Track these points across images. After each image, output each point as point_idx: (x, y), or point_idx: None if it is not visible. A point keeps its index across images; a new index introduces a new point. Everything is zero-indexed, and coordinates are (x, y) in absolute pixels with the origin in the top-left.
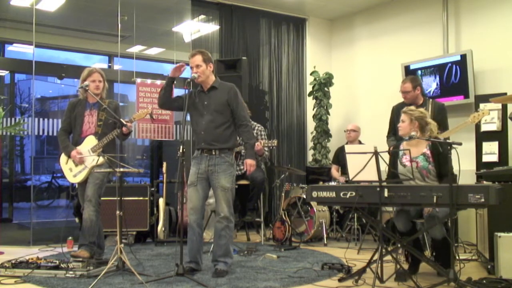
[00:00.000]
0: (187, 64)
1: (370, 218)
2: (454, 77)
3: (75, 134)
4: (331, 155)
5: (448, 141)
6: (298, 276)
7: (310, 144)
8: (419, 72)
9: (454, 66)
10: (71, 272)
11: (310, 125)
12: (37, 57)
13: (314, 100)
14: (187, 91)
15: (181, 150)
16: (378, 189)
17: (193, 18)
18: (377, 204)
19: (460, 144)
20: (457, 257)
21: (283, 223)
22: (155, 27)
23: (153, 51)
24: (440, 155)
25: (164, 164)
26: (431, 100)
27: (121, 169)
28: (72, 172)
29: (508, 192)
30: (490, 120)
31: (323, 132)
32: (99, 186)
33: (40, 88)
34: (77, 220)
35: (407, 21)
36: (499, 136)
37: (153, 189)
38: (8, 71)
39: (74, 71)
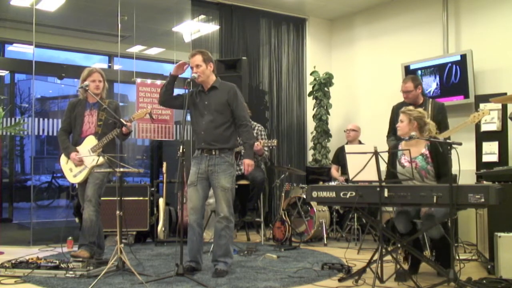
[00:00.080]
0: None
1: (370, 218)
2: (454, 77)
3: (75, 134)
4: (331, 155)
5: (448, 141)
6: (298, 276)
7: (310, 144)
8: (419, 72)
9: (454, 66)
10: (71, 272)
11: (310, 125)
12: (37, 57)
13: (314, 100)
14: (187, 91)
15: (181, 150)
16: (378, 189)
17: (193, 18)
18: (377, 204)
19: (460, 144)
20: (457, 257)
21: (283, 223)
22: (155, 27)
23: (153, 51)
24: (439, 155)
25: (164, 164)
26: (431, 100)
27: (121, 169)
28: (72, 172)
29: (508, 192)
30: (490, 120)
31: (323, 132)
32: (99, 186)
33: (40, 88)
34: (77, 220)
35: (407, 21)
36: (499, 136)
37: (153, 189)
38: (8, 71)
39: (74, 71)
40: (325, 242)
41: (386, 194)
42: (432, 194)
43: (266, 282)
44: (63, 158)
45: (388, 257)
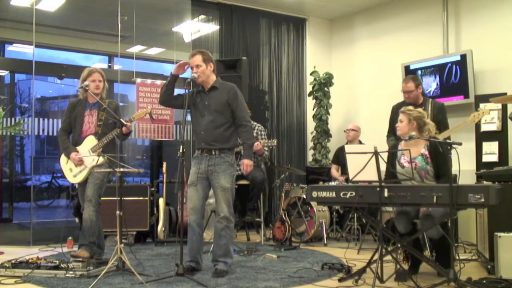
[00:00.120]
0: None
1: (370, 218)
2: (454, 77)
3: (75, 134)
4: (331, 155)
5: (448, 141)
6: (298, 276)
7: (310, 144)
8: (419, 72)
9: (454, 66)
10: (71, 272)
11: (310, 125)
12: (37, 57)
13: (314, 100)
14: (187, 91)
15: (181, 150)
16: (378, 189)
17: (193, 18)
18: (377, 204)
19: (460, 144)
20: (457, 257)
21: (283, 223)
22: (155, 27)
23: (153, 51)
24: (438, 155)
25: (164, 164)
26: (430, 100)
27: (121, 169)
28: (72, 172)
29: (508, 192)
30: (490, 120)
31: (323, 132)
32: (99, 186)
33: (40, 88)
34: (77, 220)
35: (407, 21)
36: (499, 136)
37: (153, 189)
38: (8, 71)
39: (74, 71)
40: (325, 242)
41: (386, 194)
42: (432, 194)
43: (266, 282)
44: (63, 158)
45: (388, 257)
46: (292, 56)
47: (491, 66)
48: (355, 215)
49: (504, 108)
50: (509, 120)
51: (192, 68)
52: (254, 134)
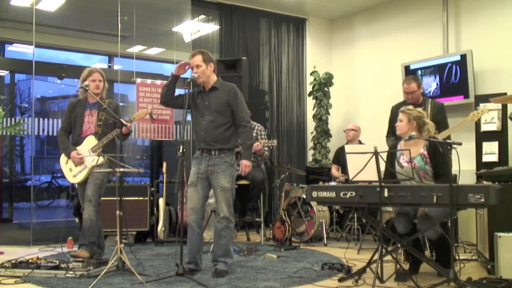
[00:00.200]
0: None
1: (370, 218)
2: (454, 77)
3: (75, 134)
4: (331, 155)
5: (448, 141)
6: (298, 276)
7: (310, 144)
8: (419, 72)
9: (454, 66)
10: (71, 272)
11: (310, 125)
12: (37, 57)
13: (314, 100)
14: (187, 91)
15: (181, 150)
16: (378, 189)
17: (193, 18)
18: (377, 204)
19: (460, 144)
20: (457, 257)
21: (283, 223)
22: (155, 27)
23: (153, 51)
24: (437, 155)
25: (164, 164)
26: (430, 99)
27: (121, 169)
28: (72, 172)
29: (508, 192)
30: (490, 120)
31: (323, 132)
32: (99, 186)
33: (40, 88)
34: (77, 220)
35: (407, 21)
36: (499, 136)
37: (153, 189)
38: (8, 71)
39: (74, 71)
40: (325, 242)
41: (386, 194)
42: (432, 194)
43: (266, 282)
44: (62, 158)
45: (388, 257)
46: (292, 56)
47: (491, 66)
48: (355, 215)
49: (504, 108)
50: (509, 120)
51: (192, 68)
52: (254, 134)
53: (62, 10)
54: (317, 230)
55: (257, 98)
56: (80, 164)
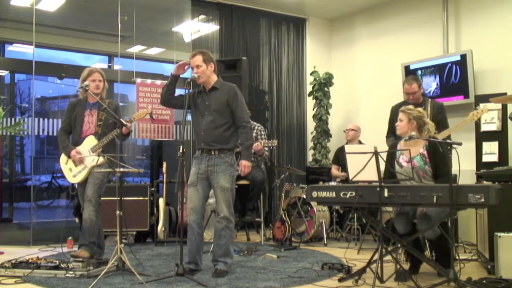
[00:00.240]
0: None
1: (370, 218)
2: (454, 77)
3: (75, 134)
4: (331, 155)
5: (448, 141)
6: (298, 276)
7: (310, 144)
8: (419, 72)
9: (454, 66)
10: (71, 272)
11: (310, 125)
12: (37, 57)
13: (314, 100)
14: (187, 91)
15: (181, 150)
16: (378, 189)
17: (193, 18)
18: (377, 204)
19: (460, 144)
20: (457, 257)
21: (283, 223)
22: (155, 27)
23: (153, 51)
24: (437, 155)
25: (164, 164)
26: (430, 99)
27: (121, 169)
28: (72, 172)
29: (508, 192)
30: (490, 120)
31: (323, 132)
32: (99, 186)
33: (40, 88)
34: (77, 220)
35: (407, 21)
36: (499, 136)
37: (153, 189)
38: (8, 71)
39: (74, 71)
40: (325, 242)
41: (386, 194)
42: (432, 194)
43: (266, 282)
44: (62, 158)
45: (388, 257)
46: (292, 56)
47: (491, 66)
48: (355, 215)
49: (504, 108)
50: (509, 120)
51: (192, 68)
52: (254, 134)
53: (62, 10)
54: (317, 230)
55: (257, 98)
56: (80, 163)
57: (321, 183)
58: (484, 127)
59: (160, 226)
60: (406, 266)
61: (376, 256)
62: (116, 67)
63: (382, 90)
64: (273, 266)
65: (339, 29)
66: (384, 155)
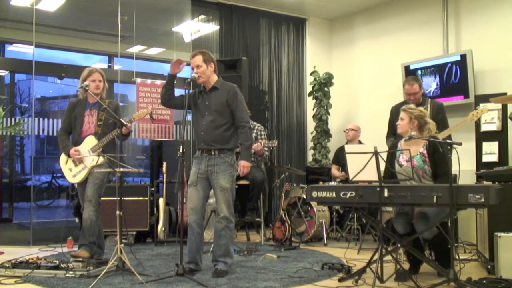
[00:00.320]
0: (188, 64)
1: (370, 218)
2: (454, 77)
3: (75, 134)
4: (331, 155)
5: (448, 141)
6: (298, 276)
7: (310, 144)
8: (419, 72)
9: (454, 66)
10: (71, 272)
11: (310, 125)
12: (37, 57)
13: (314, 100)
14: (187, 91)
15: (181, 150)
16: (378, 189)
17: (193, 18)
18: (377, 204)
19: (460, 144)
20: (457, 257)
21: (283, 223)
22: (155, 27)
23: (153, 51)
24: (437, 154)
25: (164, 164)
26: (430, 99)
27: (121, 169)
28: (71, 172)
29: (508, 192)
30: (490, 120)
31: (323, 132)
32: (99, 186)
33: (40, 88)
34: (77, 220)
35: (407, 21)
36: (499, 136)
37: (153, 189)
38: (8, 71)
39: (74, 71)
40: (325, 242)
41: (386, 194)
42: (432, 194)
43: (266, 282)
44: (62, 158)
45: (388, 257)
46: (292, 56)
47: (491, 66)
48: (355, 215)
49: (504, 108)
50: (509, 120)
51: (192, 68)
52: (254, 135)
53: (62, 10)
54: (317, 230)
55: (257, 98)
56: (79, 162)
57: (321, 183)
58: (484, 127)
59: (160, 226)
60: (406, 266)
61: (376, 256)
62: (116, 67)
63: (382, 90)
64: (273, 266)
65: (339, 29)
66: (384, 155)
